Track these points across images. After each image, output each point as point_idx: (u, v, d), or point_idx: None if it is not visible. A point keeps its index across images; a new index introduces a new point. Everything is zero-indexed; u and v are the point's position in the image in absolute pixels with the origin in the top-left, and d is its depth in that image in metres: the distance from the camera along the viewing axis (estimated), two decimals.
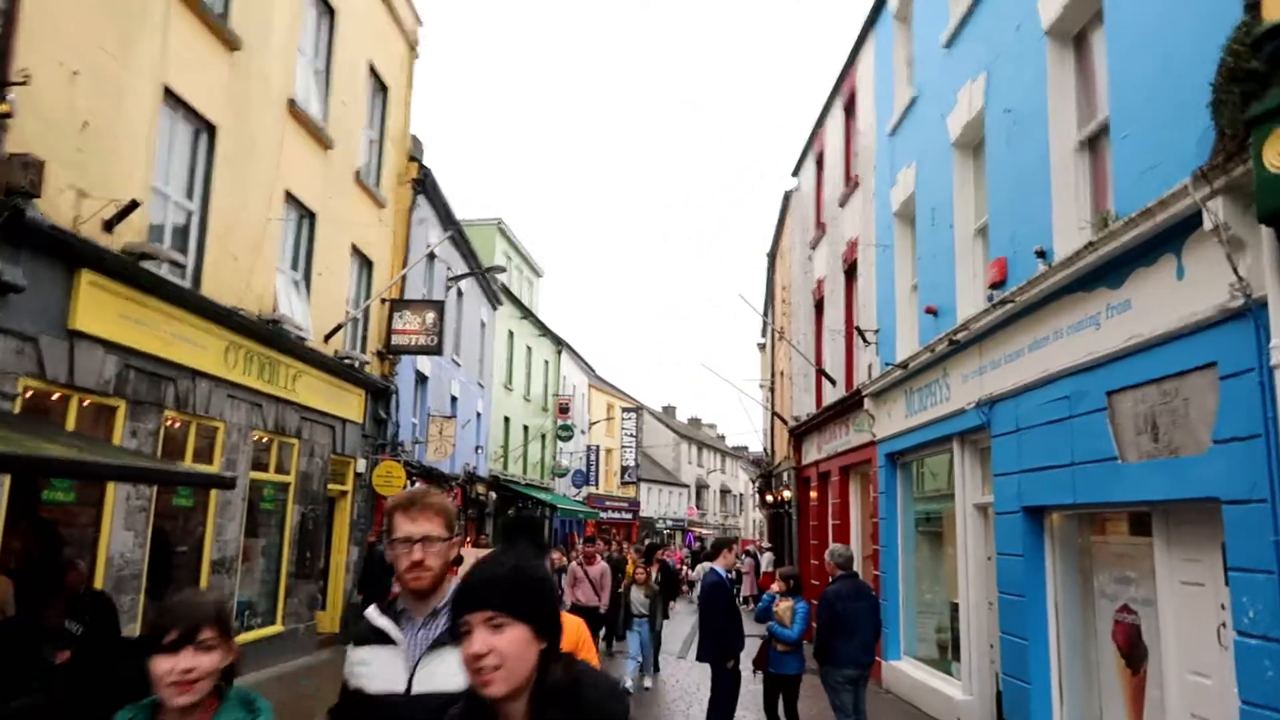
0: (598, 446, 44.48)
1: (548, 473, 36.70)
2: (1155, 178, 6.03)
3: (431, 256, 20.36)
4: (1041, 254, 7.65)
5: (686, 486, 64.83)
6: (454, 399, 22.85)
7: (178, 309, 10.12)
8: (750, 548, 34.74)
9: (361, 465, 16.39)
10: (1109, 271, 6.60)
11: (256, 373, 12.11)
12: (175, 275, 10.25)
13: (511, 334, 31.39)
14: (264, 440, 12.78)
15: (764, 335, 35.38)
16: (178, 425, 10.63)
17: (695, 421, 77.96)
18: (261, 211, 12.24)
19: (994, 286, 8.70)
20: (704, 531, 63.53)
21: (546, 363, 36.96)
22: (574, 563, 13.37)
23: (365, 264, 16.50)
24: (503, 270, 21.93)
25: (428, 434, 19.88)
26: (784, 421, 20.96)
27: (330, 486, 15.31)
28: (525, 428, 33.06)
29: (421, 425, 20.06)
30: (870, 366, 13.29)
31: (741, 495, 79.80)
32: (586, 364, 44.89)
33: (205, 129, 10.94)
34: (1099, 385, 6.78)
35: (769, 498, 25.08)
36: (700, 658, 8.28)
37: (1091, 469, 6.86)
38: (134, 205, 8.92)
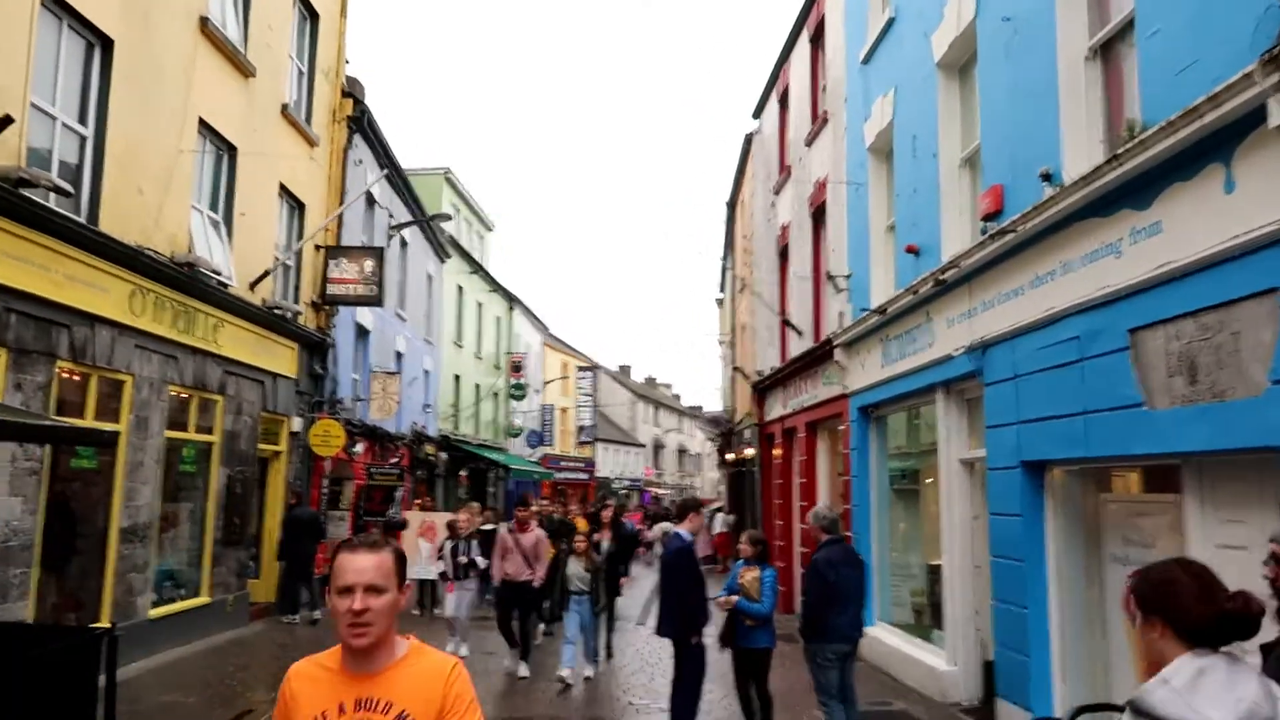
0: (552, 406, 43.49)
1: (501, 433, 35.67)
2: (1195, 77, 5.14)
3: (371, 202, 19.09)
4: (1047, 176, 6.77)
5: (643, 446, 64.20)
6: (399, 355, 21.68)
7: (70, 247, 8.90)
8: (709, 507, 34.18)
9: (297, 424, 15.26)
10: (1135, 190, 5.73)
11: (170, 321, 10.92)
12: (66, 208, 9.02)
13: (461, 289, 30.15)
14: (182, 396, 11.62)
15: (723, 290, 34.51)
16: (76, 378, 9.46)
17: (651, 381, 77.23)
18: (171, 141, 10.97)
19: (988, 218, 7.83)
20: (661, 491, 63.10)
21: (498, 319, 35.77)
22: (504, 528, 11.77)
23: (296, 207, 15.25)
24: (449, 218, 20.67)
25: (370, 391, 18.74)
26: (746, 377, 20.13)
27: (261, 447, 14.19)
28: (477, 386, 31.95)
29: (364, 382, 18.90)
30: (841, 315, 12.44)
31: (699, 455, 79.52)
32: (540, 321, 43.74)
33: (100, 42, 9.64)
34: (1119, 322, 5.94)
35: (729, 456, 24.33)
36: (661, 631, 7.38)
37: (1108, 418, 6.04)
38: (7, 120, 7.69)
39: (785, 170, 16.52)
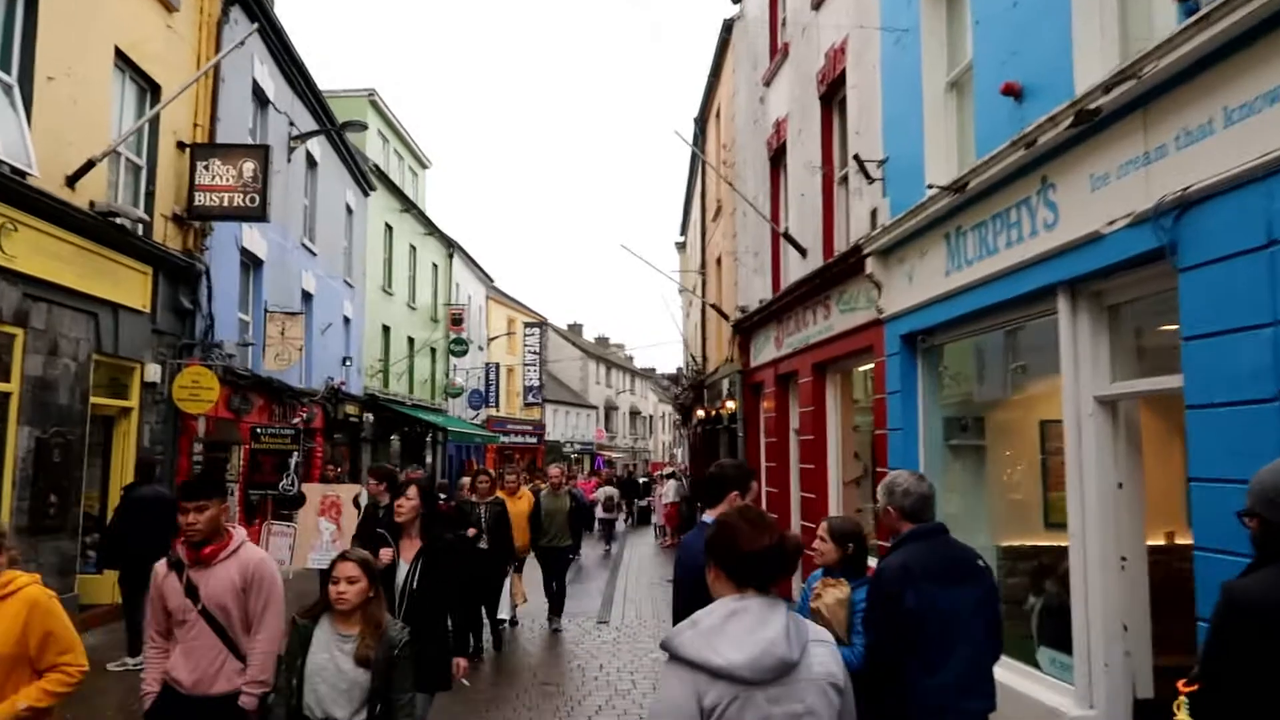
0: (497, 364, 39.99)
1: (439, 392, 32.18)
2: None
3: (265, 102, 15.40)
4: None
5: (595, 408, 60.99)
6: (307, 295, 18.09)
7: None
8: (672, 469, 31.10)
9: (154, 372, 11.74)
10: None
11: None
12: None
13: (390, 228, 26.48)
14: None
15: (684, 233, 31.20)
16: None
17: (603, 340, 73.89)
18: None
19: None
20: (614, 455, 60.07)
21: (435, 266, 32.12)
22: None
23: (147, 87, 11.60)
24: (363, 126, 17.21)
25: (266, 335, 15.20)
26: (724, 316, 16.93)
27: (98, 401, 10.68)
28: (410, 340, 28.40)
29: (257, 324, 15.34)
30: (875, 213, 9.25)
31: (651, 417, 76.63)
32: (484, 272, 40.12)
33: None
34: None
35: (700, 413, 21.19)
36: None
37: None
38: None
39: (780, 51, 13.22)
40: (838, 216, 11.10)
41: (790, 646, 2.18)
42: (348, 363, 21.30)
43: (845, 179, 10.77)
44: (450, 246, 33.54)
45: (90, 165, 9.75)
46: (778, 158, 13.56)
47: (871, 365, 9.80)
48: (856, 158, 9.18)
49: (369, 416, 23.57)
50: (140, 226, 11.26)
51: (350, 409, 21.53)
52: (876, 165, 9.15)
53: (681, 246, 32.82)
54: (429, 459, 29.99)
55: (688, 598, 3.77)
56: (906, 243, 8.51)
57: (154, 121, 11.75)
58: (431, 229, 31.02)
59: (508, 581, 10.00)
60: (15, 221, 8.71)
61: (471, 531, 9.11)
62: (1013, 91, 6.56)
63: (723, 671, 2.14)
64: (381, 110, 27.69)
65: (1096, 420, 5.99)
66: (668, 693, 2.22)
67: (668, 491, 23.74)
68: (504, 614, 10.07)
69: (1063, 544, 7.58)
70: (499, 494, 10.09)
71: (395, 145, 29.48)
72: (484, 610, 9.56)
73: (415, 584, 4.82)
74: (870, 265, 9.19)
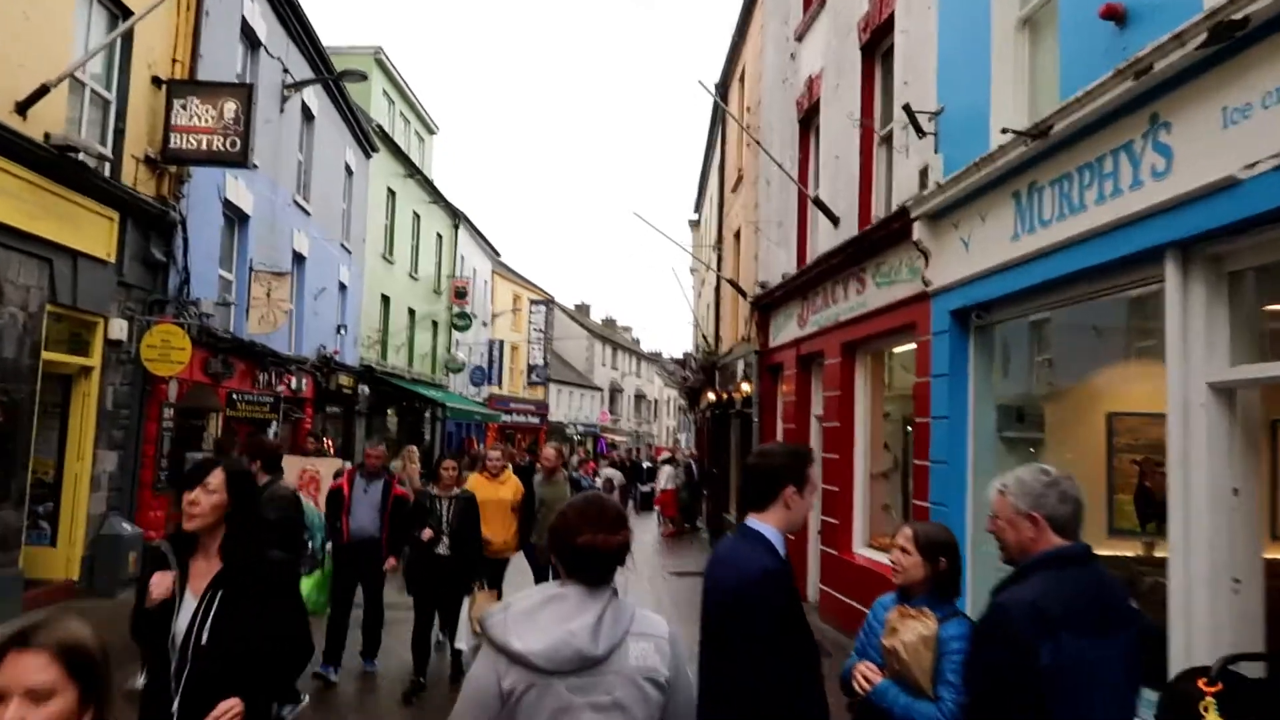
0: (501, 341, 38.96)
1: (440, 367, 31.16)
2: None
3: (256, 44, 14.31)
4: None
5: (600, 390, 59.98)
6: (299, 257, 17.03)
7: None
8: (678, 455, 30.04)
9: (120, 329, 10.72)
10: None
11: None
12: None
13: (393, 193, 25.40)
14: None
15: (697, 211, 30.08)
16: None
17: (610, 322, 72.79)
18: None
19: None
20: (618, 438, 59.11)
21: (440, 236, 31.03)
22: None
23: (119, 14, 10.50)
24: (363, 77, 16.10)
25: (251, 296, 14.16)
26: (742, 293, 15.84)
27: (53, 358, 9.69)
28: (411, 311, 27.35)
29: (241, 284, 14.30)
30: (925, 172, 8.17)
31: (656, 401, 75.60)
32: (490, 246, 39.01)
33: None
34: None
35: (710, 396, 20.12)
36: None
37: None
38: None
39: (815, 3, 12.08)
40: (876, 180, 10.02)
41: (594, 641, 2.16)
42: (342, 331, 20.27)
43: (888, 137, 9.68)
44: (456, 217, 32.44)
45: (44, 91, 8.69)
46: (808, 119, 12.44)
47: (912, 345, 8.75)
48: (907, 108, 8.07)
49: (364, 389, 22.57)
50: (107, 167, 10.23)
51: (344, 380, 20.52)
52: (929, 118, 8.05)
53: (695, 224, 31.68)
54: (426, 436, 29.01)
55: (734, 675, 2.68)
56: (963, 204, 7.43)
57: (126, 54, 10.70)
58: (437, 197, 29.92)
59: (470, 600, 7.68)
60: None
61: (427, 533, 7.38)
62: (1115, 14, 5.46)
63: (518, 657, 2.15)
64: (388, 69, 26.55)
65: (1210, 412, 4.92)
66: (474, 671, 2.25)
67: (661, 478, 22.70)
68: (462, 643, 7.81)
69: (1127, 554, 6.60)
70: (477, 477, 8.62)
71: (401, 107, 28.34)
72: (436, 631, 7.72)
73: (205, 634, 2.92)
74: (917, 231, 8.11)
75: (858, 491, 10.35)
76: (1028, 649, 2.45)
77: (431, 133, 32.07)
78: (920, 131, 8.07)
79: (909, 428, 10.07)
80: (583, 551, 2.24)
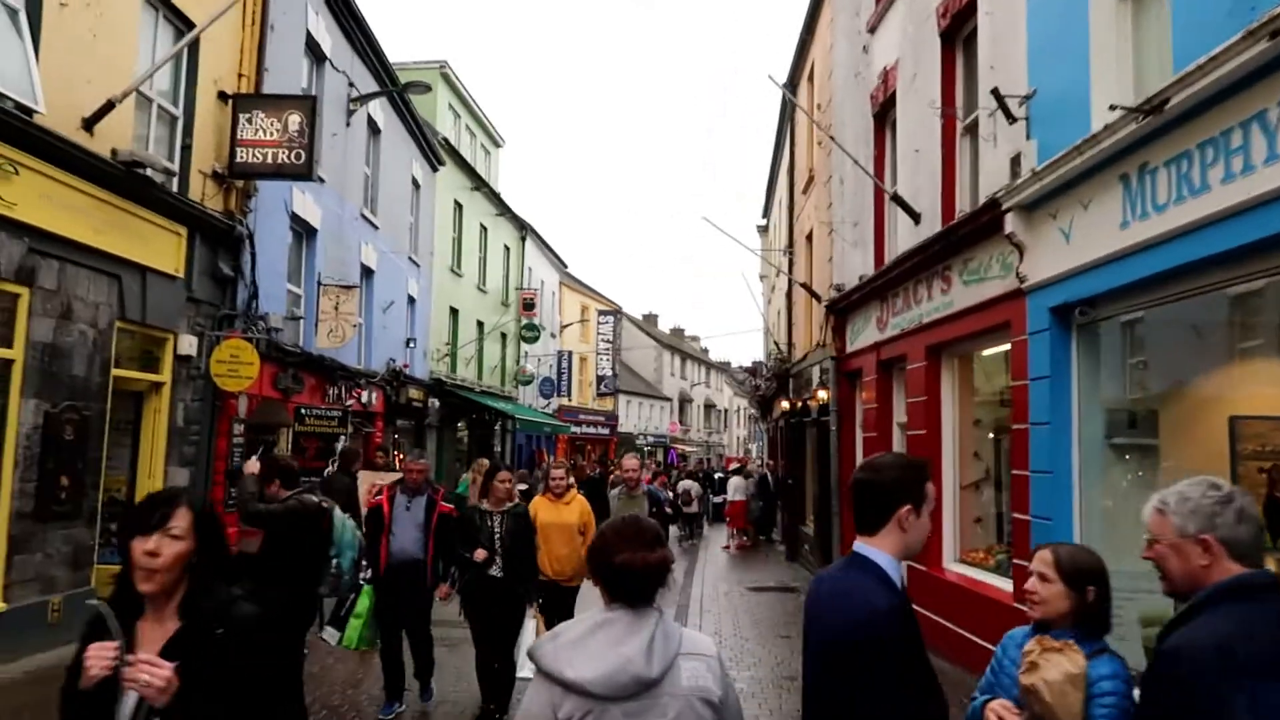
0: (570, 352, 38.87)
1: (510, 380, 31.12)
2: None
3: (321, 58, 14.31)
4: None
5: (669, 400, 59.57)
6: (368, 270, 17.03)
7: None
8: (749, 465, 29.47)
9: (189, 344, 10.69)
10: None
11: None
12: None
13: (460, 206, 25.42)
14: None
15: (766, 215, 29.53)
16: None
17: (678, 332, 72.33)
18: None
19: None
20: (688, 449, 58.63)
21: (507, 249, 31.04)
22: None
23: (179, 24, 10.48)
24: (427, 88, 16.01)
25: (319, 309, 14.13)
26: (816, 297, 15.31)
27: (123, 374, 9.66)
28: (480, 324, 27.34)
29: (309, 297, 14.28)
30: (1018, 159, 7.63)
31: (726, 410, 74.89)
32: (558, 258, 38.99)
33: None
34: None
35: (784, 405, 19.58)
36: None
37: None
38: None
39: None
40: (960, 172, 9.48)
41: (649, 664, 2.15)
42: (411, 344, 20.26)
43: (972, 126, 9.14)
44: (523, 229, 32.44)
45: (110, 106, 8.66)
46: (883, 112, 11.92)
47: (1005, 346, 8.19)
48: (995, 93, 7.54)
49: (434, 402, 22.54)
50: (173, 181, 10.22)
51: (414, 393, 20.49)
52: (1019, 102, 7.52)
53: (764, 230, 31.15)
54: (497, 448, 28.96)
55: (824, 679, 2.31)
56: (1062, 192, 6.88)
57: (193, 70, 10.69)
58: (504, 209, 29.94)
59: (528, 623, 7.04)
60: (17, 164, 7.64)
61: (480, 553, 6.65)
62: None
63: (574, 686, 2.12)
64: (453, 84, 26.65)
65: None
66: (528, 703, 2.22)
67: (730, 489, 22.15)
68: (525, 670, 6.68)
69: None
70: (540, 499, 7.76)
71: (467, 121, 28.43)
72: (498, 661, 6.83)
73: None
74: (1010, 223, 7.57)
75: (947, 503, 9.77)
76: (1218, 705, 1.98)
77: (498, 145, 32.15)
78: (1011, 117, 7.54)
79: (991, 434, 9.49)
80: (621, 570, 2.23)
